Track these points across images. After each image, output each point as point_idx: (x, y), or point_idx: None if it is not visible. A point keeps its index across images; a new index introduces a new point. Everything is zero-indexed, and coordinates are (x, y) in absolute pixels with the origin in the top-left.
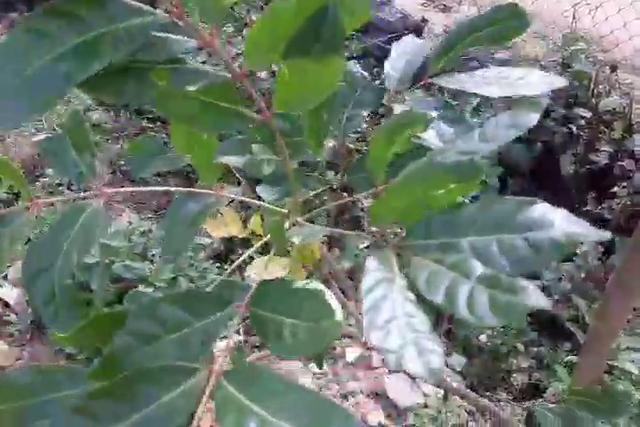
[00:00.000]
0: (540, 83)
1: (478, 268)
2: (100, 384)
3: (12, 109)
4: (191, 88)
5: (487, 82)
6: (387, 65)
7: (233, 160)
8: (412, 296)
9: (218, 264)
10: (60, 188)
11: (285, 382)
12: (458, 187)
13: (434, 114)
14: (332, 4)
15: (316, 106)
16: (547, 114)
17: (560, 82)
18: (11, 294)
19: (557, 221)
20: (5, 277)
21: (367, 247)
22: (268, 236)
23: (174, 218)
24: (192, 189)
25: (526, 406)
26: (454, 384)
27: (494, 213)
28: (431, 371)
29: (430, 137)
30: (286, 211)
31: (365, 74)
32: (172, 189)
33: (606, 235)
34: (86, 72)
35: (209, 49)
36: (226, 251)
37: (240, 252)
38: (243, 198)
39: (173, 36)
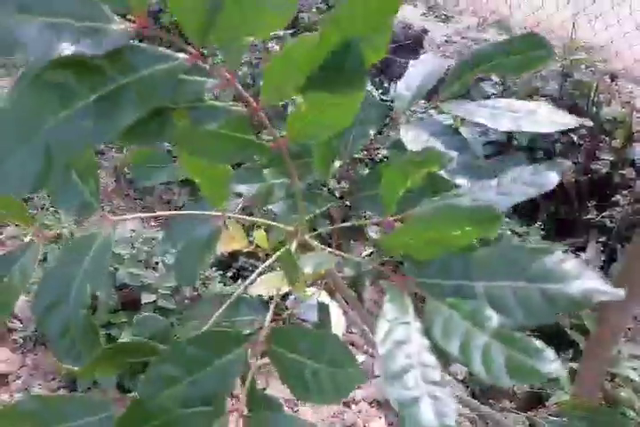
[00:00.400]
0: (549, 120)
1: (494, 319)
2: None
3: (20, 176)
4: (213, 125)
5: (496, 113)
6: (401, 84)
7: (244, 189)
8: (427, 343)
9: (221, 272)
10: None
11: (303, 425)
12: (474, 229)
13: (453, 154)
14: (354, 38)
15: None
16: None
17: (571, 121)
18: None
19: (573, 275)
20: None
21: (369, 255)
22: (274, 253)
23: (185, 242)
24: (201, 212)
25: (528, 415)
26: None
27: (510, 258)
28: (445, 425)
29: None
30: (292, 229)
31: (372, 90)
32: (180, 213)
33: (621, 293)
34: (113, 129)
35: (229, 87)
36: (229, 259)
37: (243, 260)
38: (250, 219)
39: (194, 78)
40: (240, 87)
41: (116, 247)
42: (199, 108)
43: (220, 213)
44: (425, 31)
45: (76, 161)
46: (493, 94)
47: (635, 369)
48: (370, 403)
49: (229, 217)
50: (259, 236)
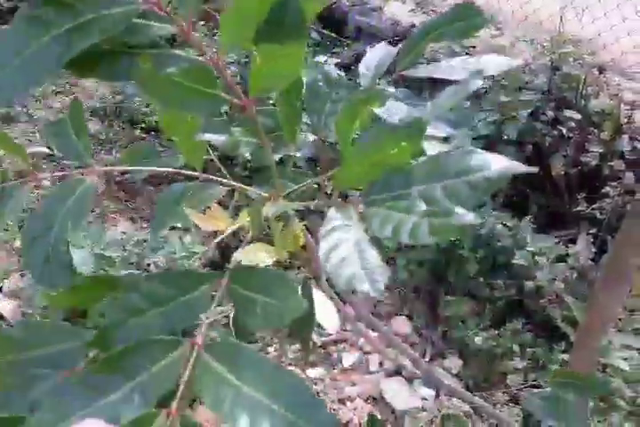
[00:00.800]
0: (496, 64)
1: (422, 207)
2: (97, 356)
3: (11, 85)
4: (171, 70)
5: (452, 69)
6: (361, 65)
7: (213, 137)
8: (366, 237)
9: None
10: None
11: (261, 358)
12: (408, 144)
13: (391, 90)
14: None
15: (287, 91)
16: (537, 116)
17: (514, 62)
18: (6, 306)
19: (492, 164)
20: (0, 290)
21: None
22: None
23: (162, 198)
24: (180, 171)
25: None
26: (448, 383)
27: (441, 163)
28: (376, 289)
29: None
30: (267, 195)
31: (342, 74)
32: (163, 169)
33: (533, 169)
34: (74, 52)
35: (185, 37)
36: (221, 259)
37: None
38: (227, 181)
39: (152, 23)
40: (196, 37)
41: (107, 250)
42: (163, 54)
43: (195, 173)
44: (414, 27)
45: (73, 123)
46: (483, 88)
47: (625, 359)
48: (365, 400)
49: (213, 180)
50: (242, 215)
